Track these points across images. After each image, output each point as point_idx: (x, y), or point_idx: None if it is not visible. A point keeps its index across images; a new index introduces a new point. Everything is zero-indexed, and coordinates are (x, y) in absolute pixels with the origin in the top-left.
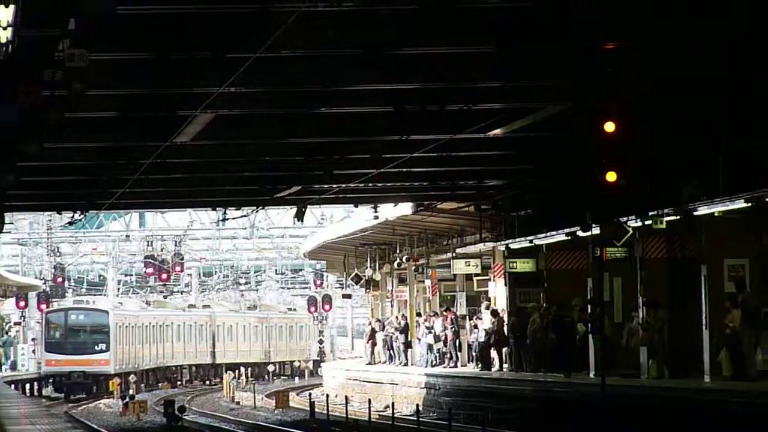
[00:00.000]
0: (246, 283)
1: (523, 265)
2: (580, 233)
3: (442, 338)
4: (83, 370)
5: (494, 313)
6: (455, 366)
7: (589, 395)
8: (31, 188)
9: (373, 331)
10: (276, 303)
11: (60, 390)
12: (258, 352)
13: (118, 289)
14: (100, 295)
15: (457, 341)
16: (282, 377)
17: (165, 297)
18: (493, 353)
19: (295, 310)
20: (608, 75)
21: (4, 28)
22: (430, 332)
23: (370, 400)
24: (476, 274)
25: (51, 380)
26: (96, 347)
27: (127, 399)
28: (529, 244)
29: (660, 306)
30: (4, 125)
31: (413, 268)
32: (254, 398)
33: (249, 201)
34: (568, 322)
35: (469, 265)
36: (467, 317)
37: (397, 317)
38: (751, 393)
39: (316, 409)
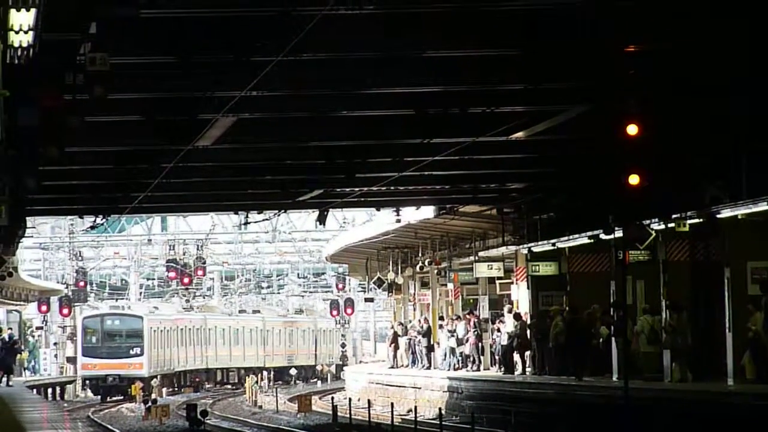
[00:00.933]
0: (268, 287)
1: (545, 269)
2: (602, 236)
3: (465, 342)
4: (118, 374)
5: (517, 317)
6: (478, 369)
7: (612, 398)
8: (52, 192)
9: (396, 335)
10: (321, 308)
11: (97, 393)
12: (305, 356)
13: (140, 293)
14: (123, 298)
15: (480, 345)
16: (311, 381)
17: (187, 301)
18: (516, 357)
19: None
20: (630, 77)
21: (26, 32)
22: (452, 336)
23: (392, 404)
24: (499, 278)
25: (87, 383)
26: (131, 351)
27: (150, 403)
28: (552, 247)
29: (683, 309)
30: (26, 129)
31: (435, 271)
32: (277, 402)
33: (271, 204)
34: (582, 325)
35: (491, 269)
36: (490, 321)
37: (419, 321)
38: None
39: (339, 413)
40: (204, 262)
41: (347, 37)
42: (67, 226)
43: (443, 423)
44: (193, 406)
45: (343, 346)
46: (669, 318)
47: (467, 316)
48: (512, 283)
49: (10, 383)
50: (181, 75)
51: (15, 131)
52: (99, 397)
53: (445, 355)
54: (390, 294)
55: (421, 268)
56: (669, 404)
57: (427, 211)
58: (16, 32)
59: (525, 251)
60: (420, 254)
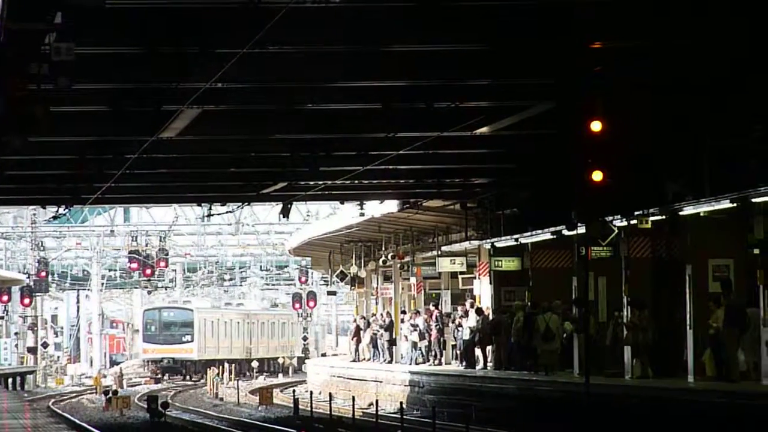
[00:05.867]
0: (230, 279)
1: (508, 264)
2: (565, 232)
3: (427, 336)
4: (172, 357)
5: (479, 312)
6: (440, 364)
7: (572, 394)
8: (15, 182)
9: (358, 329)
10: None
11: (156, 372)
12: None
13: (102, 284)
14: (85, 289)
15: (442, 339)
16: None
17: (149, 293)
18: (478, 351)
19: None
20: (596, 74)
21: None
22: (414, 330)
23: (354, 398)
24: (461, 272)
25: (149, 364)
26: (183, 338)
27: (110, 394)
28: (515, 243)
29: (645, 306)
30: None
31: (398, 265)
32: (238, 395)
33: (235, 197)
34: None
35: (454, 263)
36: (452, 315)
37: (382, 314)
38: (733, 393)
39: (300, 406)
40: (166, 254)
41: (313, 30)
42: (30, 216)
43: (404, 417)
44: (153, 398)
45: (305, 339)
46: (630, 315)
47: (429, 310)
48: (475, 278)
49: None
50: (146, 66)
51: None
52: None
53: (408, 349)
54: (352, 287)
55: (384, 262)
56: (629, 400)
57: (391, 205)
58: None
59: (488, 246)
60: (383, 248)
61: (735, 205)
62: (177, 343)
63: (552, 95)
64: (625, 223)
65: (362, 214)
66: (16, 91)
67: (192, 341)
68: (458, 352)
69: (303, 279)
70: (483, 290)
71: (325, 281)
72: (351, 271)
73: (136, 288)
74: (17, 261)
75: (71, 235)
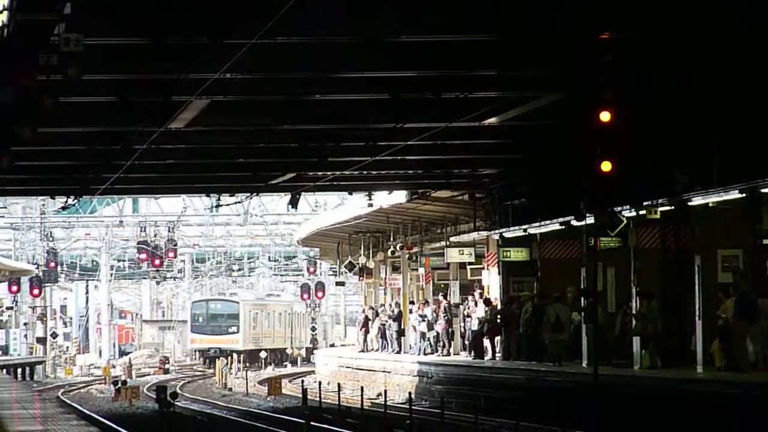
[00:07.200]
0: (239, 270)
1: (516, 254)
2: (574, 222)
3: (435, 326)
4: (219, 347)
5: (487, 302)
6: (448, 354)
7: (581, 384)
8: (24, 172)
9: (367, 319)
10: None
11: (204, 362)
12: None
13: (111, 274)
14: (94, 279)
15: (450, 329)
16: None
17: (158, 283)
18: (486, 342)
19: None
20: (604, 65)
21: (0, 12)
22: (423, 320)
23: (362, 388)
24: (470, 263)
25: (197, 353)
26: (230, 329)
27: (119, 384)
28: (523, 233)
29: (653, 296)
30: (0, 108)
31: (407, 256)
32: (247, 385)
33: (243, 187)
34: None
35: (462, 254)
36: (460, 306)
37: (390, 305)
38: (741, 383)
39: (309, 396)
40: (175, 244)
41: (322, 20)
42: (39, 207)
43: (413, 407)
44: (162, 388)
45: (314, 329)
46: (639, 305)
47: (438, 300)
48: (483, 268)
49: None
50: (155, 57)
51: None
52: (206, 362)
53: (416, 340)
54: (361, 278)
55: (393, 252)
56: (637, 390)
57: (399, 196)
58: None
59: (496, 237)
60: (391, 239)
61: (744, 195)
62: (223, 334)
63: (560, 86)
64: (633, 214)
65: (371, 205)
66: (26, 82)
67: (238, 332)
68: (467, 342)
69: (311, 269)
70: (491, 281)
71: (333, 272)
72: (359, 262)
73: (144, 278)
74: (26, 251)
75: (80, 225)
